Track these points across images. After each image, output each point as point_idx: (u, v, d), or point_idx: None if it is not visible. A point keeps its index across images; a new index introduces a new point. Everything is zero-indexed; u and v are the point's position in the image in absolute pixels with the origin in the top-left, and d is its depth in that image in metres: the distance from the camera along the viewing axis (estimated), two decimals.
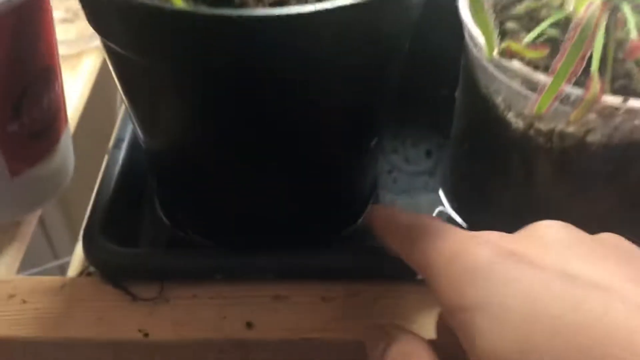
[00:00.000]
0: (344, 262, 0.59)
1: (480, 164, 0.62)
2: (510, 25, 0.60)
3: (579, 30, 0.43)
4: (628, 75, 0.53)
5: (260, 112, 0.50)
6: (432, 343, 0.40)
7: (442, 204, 0.68)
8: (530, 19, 0.60)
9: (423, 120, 0.78)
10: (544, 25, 0.51)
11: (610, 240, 0.39)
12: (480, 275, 0.33)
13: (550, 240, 0.36)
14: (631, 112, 0.48)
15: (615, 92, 0.52)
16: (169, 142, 0.56)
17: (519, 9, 0.61)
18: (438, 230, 0.39)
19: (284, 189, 0.58)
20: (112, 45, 0.48)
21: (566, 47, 0.44)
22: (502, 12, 0.62)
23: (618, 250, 0.36)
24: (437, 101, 0.77)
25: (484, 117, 0.57)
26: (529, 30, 0.57)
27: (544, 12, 0.60)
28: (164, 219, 0.64)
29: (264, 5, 0.45)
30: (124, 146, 0.67)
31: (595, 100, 0.46)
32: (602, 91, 0.47)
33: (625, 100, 0.47)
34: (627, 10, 0.50)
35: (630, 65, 0.54)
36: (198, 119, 0.52)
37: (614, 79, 0.53)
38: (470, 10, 0.49)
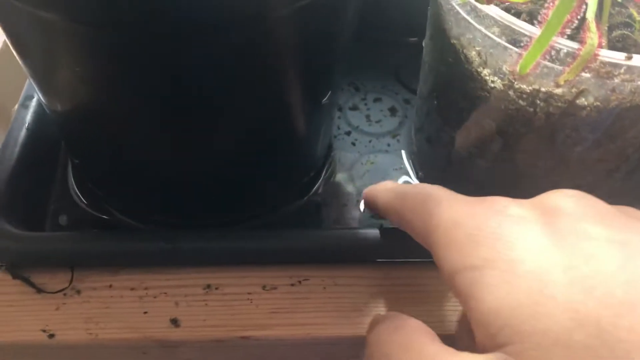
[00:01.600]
0: (290, 242, 0.50)
1: (450, 128, 0.53)
2: None
3: None
4: (628, 24, 0.44)
5: (188, 67, 0.40)
6: None
7: (407, 174, 0.59)
8: None
9: (388, 72, 0.69)
10: None
11: (629, 210, 0.35)
12: (489, 235, 0.31)
13: (564, 208, 0.33)
14: (634, 70, 0.39)
15: (612, 43, 0.43)
16: (76, 108, 0.46)
17: None
18: (440, 198, 0.37)
19: (217, 155, 0.48)
20: None
21: None
22: None
23: (636, 214, 0.34)
24: (404, 50, 0.68)
25: (455, 72, 0.47)
26: None
27: None
28: (79, 195, 0.54)
29: None
30: (33, 104, 0.56)
31: (592, 56, 0.37)
32: (600, 45, 0.38)
33: (628, 58, 0.38)
34: None
35: (630, 12, 0.45)
36: (110, 80, 0.42)
37: (610, 29, 0.44)
38: None
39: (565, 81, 0.39)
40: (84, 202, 0.54)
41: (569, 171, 0.50)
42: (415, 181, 0.58)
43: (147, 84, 0.41)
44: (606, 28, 0.43)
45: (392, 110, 0.66)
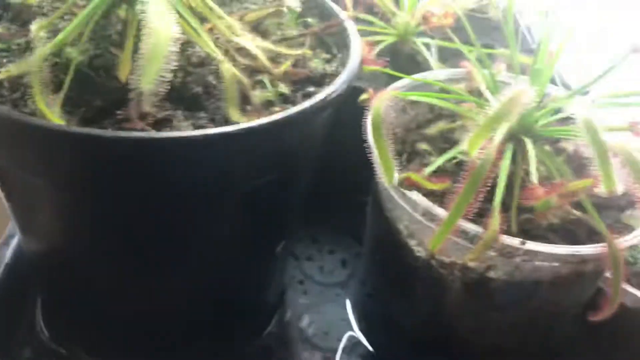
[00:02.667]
0: None
1: (387, 285, 0.59)
2: (423, 146, 0.59)
3: (472, 172, 0.41)
4: (532, 210, 0.52)
5: (151, 220, 0.46)
6: None
7: (351, 326, 0.64)
8: (444, 141, 0.60)
9: (341, 227, 0.76)
10: (440, 160, 0.49)
11: None
12: None
13: None
14: (531, 253, 0.46)
15: (520, 224, 0.51)
16: (50, 252, 0.52)
17: (433, 129, 0.60)
18: None
19: (175, 298, 0.54)
20: None
21: (459, 188, 0.42)
22: (416, 131, 0.61)
23: None
24: (355, 208, 0.75)
25: (389, 239, 0.54)
26: (441, 152, 0.56)
27: (458, 134, 0.60)
28: (43, 330, 0.59)
29: (147, 122, 0.42)
30: (13, 244, 0.62)
31: (494, 239, 0.44)
32: (501, 230, 0.45)
33: (523, 243, 0.45)
34: (529, 148, 0.49)
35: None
36: (78, 228, 0.48)
37: (519, 212, 0.52)
38: (372, 137, 0.48)
39: (473, 259, 0.46)
40: (47, 336, 0.58)
41: (490, 334, 0.56)
42: (358, 333, 0.64)
43: (115, 239, 0.48)
44: (515, 211, 0.50)
45: (344, 263, 0.72)
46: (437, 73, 0.64)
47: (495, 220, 0.45)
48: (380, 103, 0.47)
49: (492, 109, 0.41)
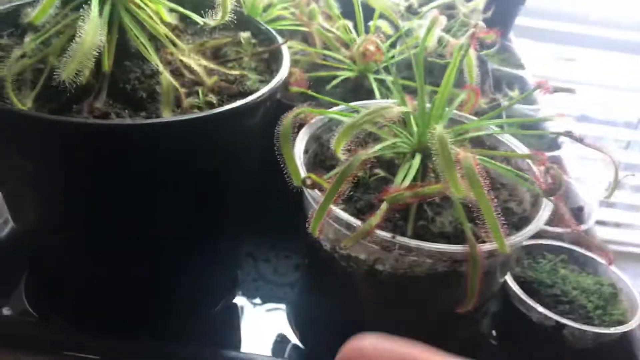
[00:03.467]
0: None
1: (310, 282, 0.68)
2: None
3: (338, 174, 0.51)
4: (426, 219, 0.60)
5: (105, 198, 0.57)
6: None
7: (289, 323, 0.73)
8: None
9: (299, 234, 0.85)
10: (342, 166, 0.58)
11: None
12: None
13: None
14: (405, 247, 0.54)
15: (416, 229, 0.58)
16: (28, 224, 0.64)
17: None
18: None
19: (128, 270, 0.64)
20: None
21: (327, 186, 0.51)
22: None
23: None
24: None
25: (308, 238, 0.63)
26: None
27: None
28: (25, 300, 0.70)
29: (93, 115, 0.54)
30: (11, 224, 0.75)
31: (368, 232, 0.53)
32: (378, 227, 0.53)
33: (393, 237, 0.53)
34: (416, 160, 0.57)
35: (429, 210, 0.60)
36: (49, 203, 0.60)
37: (416, 219, 0.60)
38: (280, 145, 0.57)
39: (346, 245, 0.54)
40: (26, 303, 0.70)
41: (391, 327, 0.63)
42: (291, 332, 0.72)
43: (78, 213, 0.59)
44: (413, 218, 0.58)
45: (297, 267, 0.81)
46: (378, 102, 0.73)
47: (376, 216, 0.53)
48: (291, 115, 0.57)
49: (356, 117, 0.51)
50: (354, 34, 0.84)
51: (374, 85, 0.79)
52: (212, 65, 0.61)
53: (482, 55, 0.98)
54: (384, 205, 0.55)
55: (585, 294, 0.71)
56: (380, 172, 0.63)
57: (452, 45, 0.67)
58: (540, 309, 0.67)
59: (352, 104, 0.71)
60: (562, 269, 0.74)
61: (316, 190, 0.57)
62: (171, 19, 0.64)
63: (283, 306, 0.75)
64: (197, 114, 0.52)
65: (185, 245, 0.65)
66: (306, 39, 0.86)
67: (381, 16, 0.87)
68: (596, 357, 0.68)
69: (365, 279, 0.58)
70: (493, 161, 0.60)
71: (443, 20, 0.85)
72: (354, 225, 0.54)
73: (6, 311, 0.69)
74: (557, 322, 0.66)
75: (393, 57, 0.85)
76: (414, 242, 0.53)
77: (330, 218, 0.57)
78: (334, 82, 0.80)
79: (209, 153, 0.57)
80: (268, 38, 0.70)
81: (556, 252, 0.77)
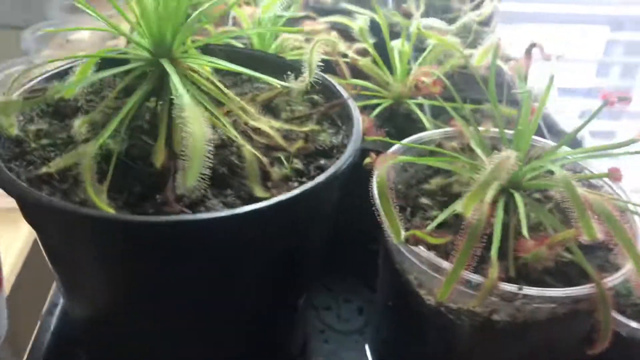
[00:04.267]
0: None
1: (401, 331, 0.64)
2: (424, 200, 0.65)
3: (469, 230, 0.47)
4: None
5: (185, 290, 0.52)
6: None
7: None
8: (443, 194, 0.66)
9: (355, 276, 0.81)
10: (441, 217, 0.55)
11: None
12: None
13: None
14: (528, 297, 0.52)
15: (517, 269, 0.56)
16: (96, 313, 0.58)
17: (431, 184, 0.66)
18: None
19: (207, 355, 0.59)
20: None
21: (459, 244, 0.48)
22: (417, 186, 0.67)
23: None
24: (367, 257, 0.80)
25: (401, 289, 0.60)
26: (441, 205, 0.62)
27: (455, 187, 0.66)
28: None
29: (183, 204, 0.48)
30: (57, 312, 0.68)
31: (494, 286, 0.50)
32: (501, 277, 0.50)
33: (520, 289, 0.51)
34: (519, 200, 0.55)
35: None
36: (119, 298, 0.54)
37: (516, 258, 0.57)
38: (378, 200, 0.54)
39: (477, 305, 0.51)
40: None
41: None
42: None
43: (152, 308, 0.53)
44: (512, 258, 0.56)
45: (360, 310, 0.77)
46: (432, 133, 0.70)
47: (494, 269, 0.51)
48: (383, 168, 0.54)
49: (481, 174, 0.47)
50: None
51: (419, 113, 0.75)
52: (282, 125, 0.56)
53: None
54: (494, 255, 0.52)
55: None
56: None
57: (512, 66, 0.64)
58: (633, 324, 0.66)
59: (410, 139, 0.68)
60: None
61: (421, 247, 0.54)
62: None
63: (362, 356, 0.72)
64: (306, 186, 0.48)
65: (264, 318, 0.60)
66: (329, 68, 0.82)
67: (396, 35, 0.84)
68: None
69: (479, 330, 0.56)
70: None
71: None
72: (474, 281, 0.51)
73: None
74: None
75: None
76: (538, 292, 0.51)
77: (433, 270, 0.54)
78: (376, 112, 0.76)
79: (307, 221, 0.52)
80: (317, 82, 0.66)
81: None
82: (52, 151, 0.54)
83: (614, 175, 0.60)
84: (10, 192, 0.47)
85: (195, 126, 0.41)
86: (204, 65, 0.55)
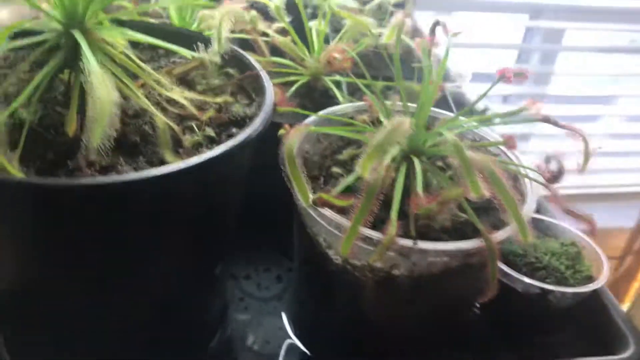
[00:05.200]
0: None
1: (314, 292, 0.68)
2: (336, 169, 0.69)
3: (366, 189, 0.51)
4: (428, 217, 0.62)
5: (101, 253, 0.54)
6: None
7: (288, 335, 0.73)
8: (354, 164, 0.70)
9: (275, 247, 0.85)
10: (348, 180, 0.59)
11: None
12: None
13: None
14: (423, 251, 0.56)
15: (418, 228, 0.61)
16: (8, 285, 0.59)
17: (344, 154, 0.70)
18: None
19: (124, 318, 0.61)
20: None
21: (358, 203, 0.52)
22: (330, 157, 0.71)
23: None
24: (286, 228, 0.84)
25: (312, 252, 0.63)
26: (350, 173, 0.67)
27: None
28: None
29: (94, 170, 0.50)
30: None
31: (392, 242, 0.54)
32: (400, 234, 0.55)
33: (415, 243, 0.55)
34: (417, 165, 0.59)
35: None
36: (36, 265, 0.56)
37: (417, 219, 0.62)
38: (287, 167, 0.57)
39: (375, 260, 0.55)
40: None
41: (403, 326, 0.66)
42: (295, 340, 0.72)
43: (71, 271, 0.55)
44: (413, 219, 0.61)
45: (278, 278, 0.81)
46: (345, 107, 0.74)
47: (392, 227, 0.55)
48: (292, 137, 0.57)
49: (377, 136, 0.52)
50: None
51: (334, 89, 0.79)
52: (196, 97, 0.59)
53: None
54: (393, 214, 0.56)
55: (555, 257, 0.77)
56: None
57: (417, 43, 0.69)
58: (527, 280, 0.72)
59: (325, 111, 0.72)
60: None
61: (326, 209, 0.58)
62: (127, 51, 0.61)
63: (280, 321, 0.75)
64: (215, 151, 0.50)
65: (181, 283, 0.63)
66: (249, 47, 0.84)
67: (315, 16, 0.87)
68: (573, 313, 0.75)
69: (380, 285, 0.60)
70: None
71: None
72: (374, 238, 0.55)
73: None
74: (541, 289, 0.72)
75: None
76: (431, 245, 0.56)
77: (336, 229, 0.58)
78: (293, 89, 0.79)
79: (218, 187, 0.55)
80: (233, 56, 0.68)
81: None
82: None
83: (509, 142, 0.65)
84: None
85: (102, 90, 0.43)
86: (117, 37, 0.57)
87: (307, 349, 0.72)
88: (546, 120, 0.64)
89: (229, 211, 0.62)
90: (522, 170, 0.67)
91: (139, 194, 0.49)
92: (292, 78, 0.82)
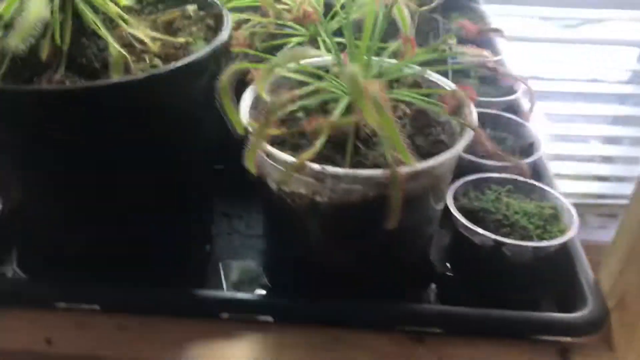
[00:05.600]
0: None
1: (267, 224, 0.75)
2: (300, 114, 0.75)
3: (265, 112, 0.58)
4: (360, 154, 0.66)
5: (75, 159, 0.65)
6: None
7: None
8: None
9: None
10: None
11: None
12: None
13: None
14: (335, 177, 0.61)
15: (352, 164, 0.65)
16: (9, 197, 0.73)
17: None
18: None
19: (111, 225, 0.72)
20: None
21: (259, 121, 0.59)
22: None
23: None
24: None
25: (260, 184, 0.70)
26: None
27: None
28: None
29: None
30: None
31: (301, 165, 0.59)
32: (308, 160, 0.60)
33: (323, 167, 0.60)
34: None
35: (363, 146, 0.67)
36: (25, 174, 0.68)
37: (352, 156, 0.66)
38: (220, 98, 0.64)
39: (282, 180, 0.61)
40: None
41: (337, 257, 0.70)
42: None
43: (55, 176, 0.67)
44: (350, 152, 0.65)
45: None
46: (324, 59, 0.80)
47: (307, 153, 0.60)
48: (228, 73, 0.64)
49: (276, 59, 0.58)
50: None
51: (321, 46, 0.85)
52: (159, 35, 0.68)
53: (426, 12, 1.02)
54: (317, 142, 0.62)
55: (526, 217, 0.77)
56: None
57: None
58: (480, 230, 0.73)
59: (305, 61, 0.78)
60: (506, 198, 0.80)
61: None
62: (127, 1, 0.72)
63: (254, 252, 0.83)
64: (139, 75, 0.59)
65: (155, 205, 0.72)
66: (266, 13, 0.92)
67: None
68: (538, 269, 0.74)
69: (309, 212, 0.65)
70: (408, 92, 0.66)
71: None
72: (289, 161, 0.61)
73: None
74: (495, 240, 0.72)
75: (333, 18, 0.90)
76: (341, 170, 0.60)
77: (270, 159, 0.64)
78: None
79: (160, 113, 0.64)
80: (218, 10, 0.77)
81: (502, 184, 0.83)
82: None
83: (461, 93, 0.68)
84: None
85: (33, 7, 0.54)
86: None
87: (268, 280, 0.78)
88: (483, 66, 0.65)
89: (186, 136, 0.70)
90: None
91: (73, 103, 0.59)
92: (294, 40, 0.89)
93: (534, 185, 0.83)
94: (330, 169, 0.60)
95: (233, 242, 0.85)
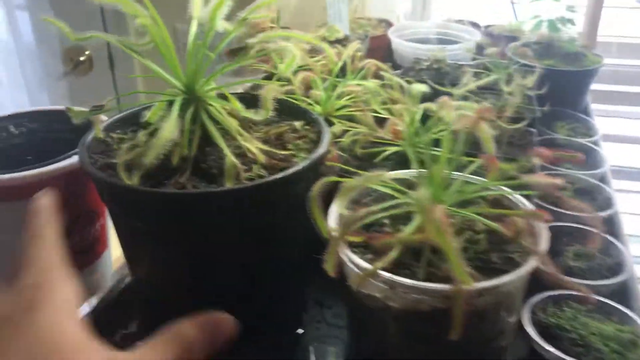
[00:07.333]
0: None
1: (348, 321, 0.83)
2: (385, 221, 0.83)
3: (342, 223, 0.66)
4: (434, 266, 0.73)
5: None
6: None
7: None
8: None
9: None
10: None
11: None
12: None
13: None
14: (403, 286, 0.67)
15: (427, 274, 0.71)
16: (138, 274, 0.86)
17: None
18: None
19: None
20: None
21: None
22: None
23: None
24: None
25: (343, 284, 0.78)
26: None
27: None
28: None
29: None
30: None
31: (373, 273, 0.67)
32: (382, 267, 0.67)
33: (393, 278, 0.67)
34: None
35: (436, 258, 0.73)
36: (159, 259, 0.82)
37: (428, 266, 0.73)
38: (310, 205, 0.74)
39: (357, 285, 0.69)
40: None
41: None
42: None
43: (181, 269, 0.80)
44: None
45: None
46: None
47: (382, 261, 0.68)
48: (318, 184, 0.74)
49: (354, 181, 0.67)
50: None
51: (412, 158, 0.94)
52: (266, 148, 0.81)
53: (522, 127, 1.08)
54: (393, 252, 0.69)
55: (602, 339, 0.78)
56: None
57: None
58: (552, 349, 0.75)
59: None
60: (584, 317, 0.82)
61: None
62: (246, 114, 0.86)
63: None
64: (247, 184, 0.71)
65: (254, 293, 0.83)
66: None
67: None
68: None
69: (383, 314, 0.72)
70: (476, 213, 0.72)
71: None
72: (363, 267, 0.69)
73: None
74: None
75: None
76: (408, 281, 0.67)
77: (349, 261, 0.72)
78: (382, 156, 0.96)
79: (263, 212, 0.75)
80: (320, 127, 0.89)
81: (583, 303, 0.85)
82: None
83: (539, 215, 0.73)
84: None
85: (165, 130, 0.68)
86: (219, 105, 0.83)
87: None
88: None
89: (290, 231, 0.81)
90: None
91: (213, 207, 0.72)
92: (388, 149, 0.99)
93: (615, 307, 0.83)
94: (399, 278, 0.67)
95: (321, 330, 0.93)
